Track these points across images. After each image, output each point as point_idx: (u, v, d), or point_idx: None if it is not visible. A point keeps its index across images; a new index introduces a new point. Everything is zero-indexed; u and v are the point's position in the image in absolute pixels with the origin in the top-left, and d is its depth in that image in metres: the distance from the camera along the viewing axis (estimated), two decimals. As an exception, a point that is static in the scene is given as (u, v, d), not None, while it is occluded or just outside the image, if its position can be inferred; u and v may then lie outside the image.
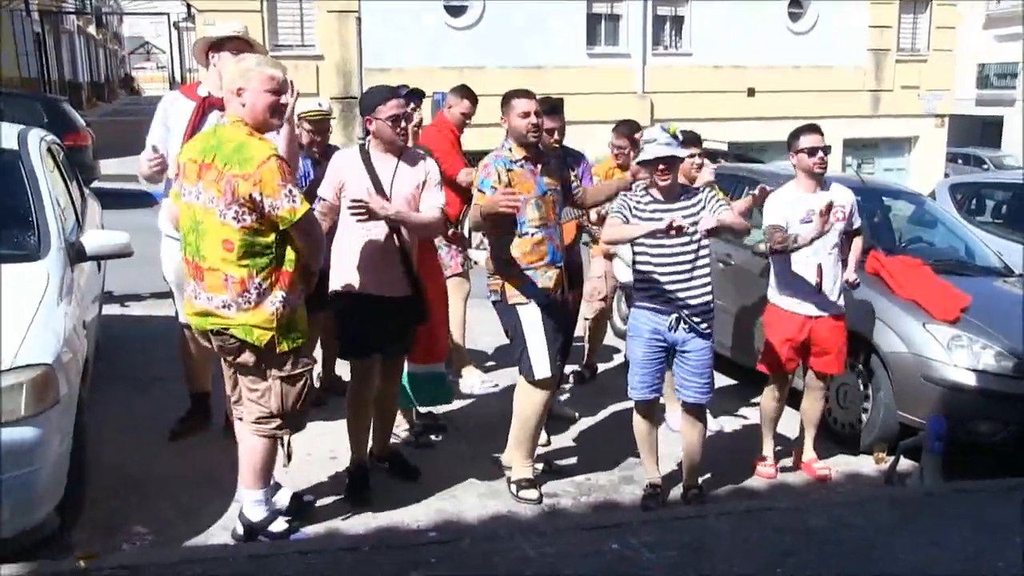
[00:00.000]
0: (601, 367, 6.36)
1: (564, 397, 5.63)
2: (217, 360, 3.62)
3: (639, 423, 4.27)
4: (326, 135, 5.01)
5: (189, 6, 18.19)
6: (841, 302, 4.67)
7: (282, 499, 3.85)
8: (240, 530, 3.59)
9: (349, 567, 3.31)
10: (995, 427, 4.79)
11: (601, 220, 4.87)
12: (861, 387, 5.18)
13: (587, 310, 5.95)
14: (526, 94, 4.16)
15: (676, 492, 4.41)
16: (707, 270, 4.06)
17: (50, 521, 3.33)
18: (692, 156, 4.87)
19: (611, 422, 5.35)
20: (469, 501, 4.21)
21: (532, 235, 4.11)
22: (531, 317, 4.11)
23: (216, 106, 4.12)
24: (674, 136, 4.04)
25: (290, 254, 3.36)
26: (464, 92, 5.41)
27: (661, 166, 3.94)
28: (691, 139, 4.91)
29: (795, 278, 4.59)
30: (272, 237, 3.30)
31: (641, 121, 6.49)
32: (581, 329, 5.92)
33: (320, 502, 4.03)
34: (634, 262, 4.15)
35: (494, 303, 4.26)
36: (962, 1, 21.27)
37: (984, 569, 3.53)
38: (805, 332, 4.62)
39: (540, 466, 4.48)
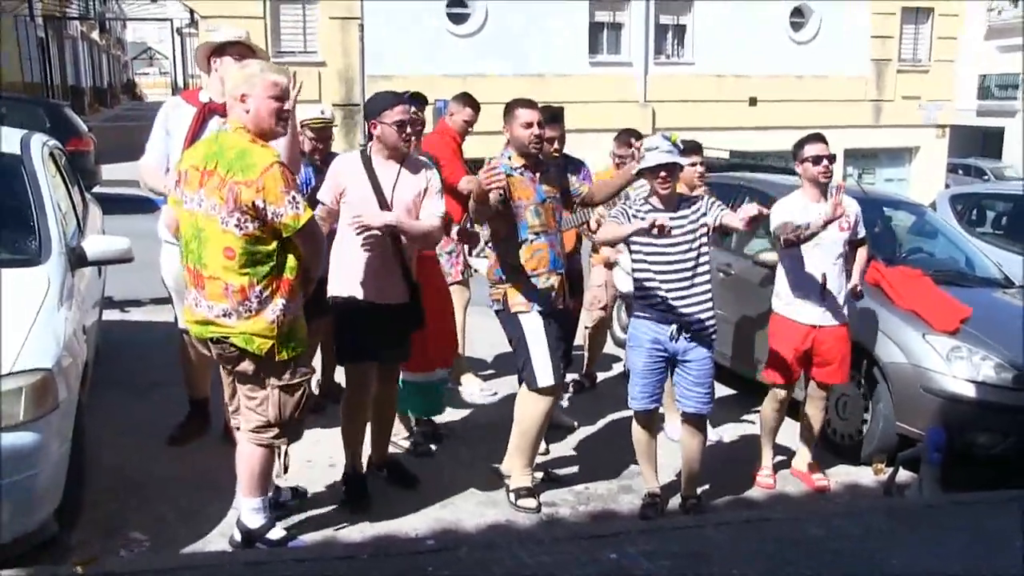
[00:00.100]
0: (600, 376, 6.35)
1: (563, 406, 5.63)
2: (216, 366, 3.62)
3: (638, 433, 4.27)
4: (328, 142, 5.01)
5: (192, 12, 18.24)
6: (845, 311, 4.67)
7: (285, 495, 3.98)
8: (238, 537, 3.59)
9: (346, 575, 3.31)
10: (994, 439, 4.79)
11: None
12: (861, 398, 5.17)
13: (587, 319, 5.96)
14: (529, 104, 4.17)
15: (675, 502, 4.40)
16: (707, 279, 4.06)
17: (48, 525, 3.32)
18: (693, 164, 4.90)
19: (610, 431, 5.35)
20: (467, 509, 4.20)
21: (532, 241, 4.12)
22: (534, 326, 4.12)
23: (217, 112, 4.13)
24: (675, 145, 4.05)
25: (291, 261, 3.35)
26: (466, 100, 5.41)
27: (663, 173, 3.94)
28: (692, 148, 4.96)
29: (801, 286, 4.60)
30: (273, 245, 3.29)
31: (643, 130, 6.51)
32: (581, 338, 5.94)
33: (318, 510, 4.02)
34: (634, 271, 4.16)
35: (497, 312, 4.27)
36: (964, 3, 21.30)
37: (982, 580, 3.52)
38: (809, 342, 4.62)
39: (539, 475, 4.48)
